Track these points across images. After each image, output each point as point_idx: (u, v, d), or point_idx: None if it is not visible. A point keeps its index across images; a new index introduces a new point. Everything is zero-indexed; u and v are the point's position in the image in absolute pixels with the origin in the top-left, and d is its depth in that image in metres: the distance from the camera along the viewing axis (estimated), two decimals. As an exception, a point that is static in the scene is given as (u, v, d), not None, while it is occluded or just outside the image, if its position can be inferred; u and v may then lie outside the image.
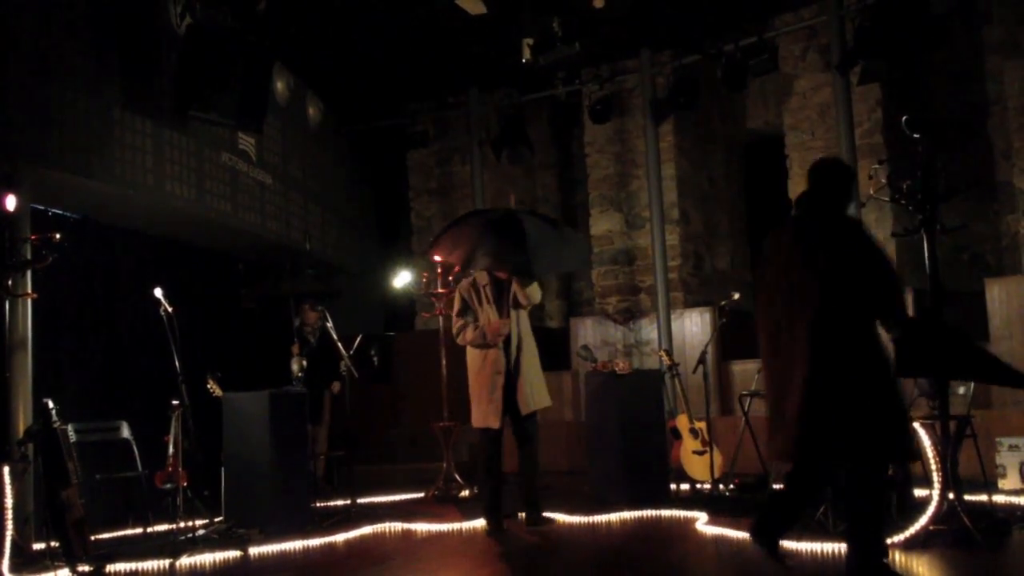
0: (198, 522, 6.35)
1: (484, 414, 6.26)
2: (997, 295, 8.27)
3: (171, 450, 6.46)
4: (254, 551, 5.87)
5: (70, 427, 6.56)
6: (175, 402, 6.41)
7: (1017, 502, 6.22)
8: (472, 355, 6.41)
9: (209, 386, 6.96)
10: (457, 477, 8.28)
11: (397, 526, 6.71)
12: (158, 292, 6.25)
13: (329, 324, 7.60)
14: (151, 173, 7.43)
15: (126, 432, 6.92)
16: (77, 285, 7.63)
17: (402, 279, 9.29)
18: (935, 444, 5.11)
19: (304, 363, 7.58)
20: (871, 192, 6.74)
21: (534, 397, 6.34)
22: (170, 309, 6.24)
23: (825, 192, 4.25)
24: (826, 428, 3.94)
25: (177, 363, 6.26)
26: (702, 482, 7.63)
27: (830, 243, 4.09)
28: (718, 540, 5.67)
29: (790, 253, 4.16)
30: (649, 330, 10.37)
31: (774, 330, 4.13)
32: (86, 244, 7.68)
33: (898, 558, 4.72)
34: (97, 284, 7.92)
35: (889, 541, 4.99)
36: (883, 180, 6.31)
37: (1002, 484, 6.76)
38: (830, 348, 3.96)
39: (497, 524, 6.28)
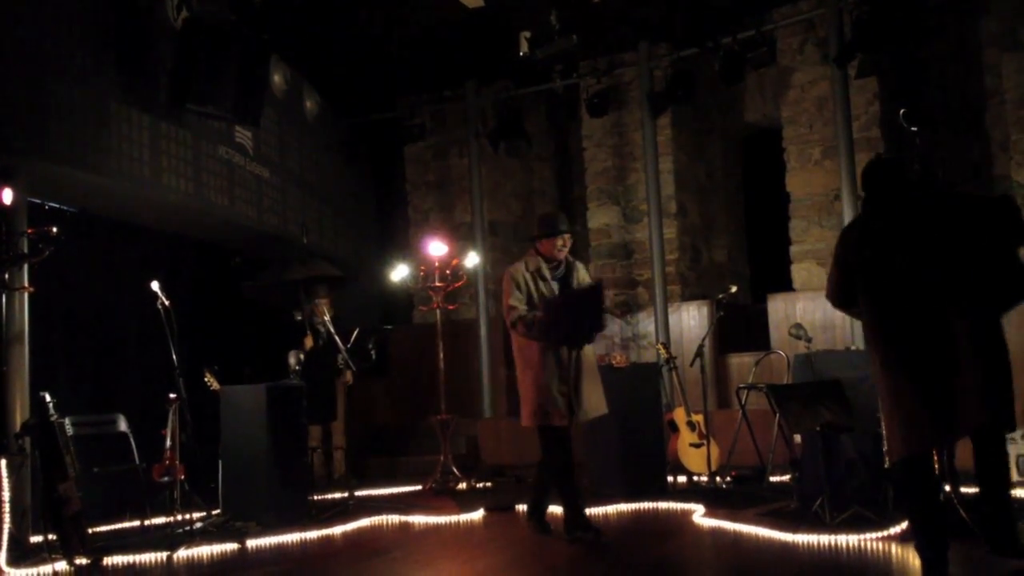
0: (195, 515, 6.35)
1: (546, 410, 5.50)
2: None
3: (168, 443, 6.45)
4: (251, 544, 5.88)
5: (67, 420, 6.56)
6: (172, 395, 6.40)
7: (1013, 495, 6.22)
8: (529, 345, 5.60)
9: (206, 379, 6.95)
10: (454, 470, 8.29)
11: (395, 519, 6.72)
12: (155, 285, 6.25)
13: (327, 317, 7.59)
14: (148, 166, 7.42)
15: (123, 425, 6.92)
16: (74, 279, 7.62)
17: (399, 272, 9.28)
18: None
19: (301, 356, 7.59)
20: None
21: (594, 402, 5.69)
22: (167, 302, 6.24)
23: (897, 182, 4.31)
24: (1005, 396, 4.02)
25: (174, 356, 6.26)
26: (699, 475, 7.65)
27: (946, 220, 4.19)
28: (715, 532, 5.69)
29: (894, 241, 4.18)
30: (647, 323, 10.37)
31: (894, 318, 4.15)
32: (83, 237, 7.66)
33: (894, 550, 4.74)
34: (94, 277, 7.91)
35: (886, 533, 5.03)
36: (880, 173, 6.31)
37: (998, 477, 6.76)
38: (986, 318, 4.06)
39: (586, 523, 5.65)
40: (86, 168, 6.84)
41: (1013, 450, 6.64)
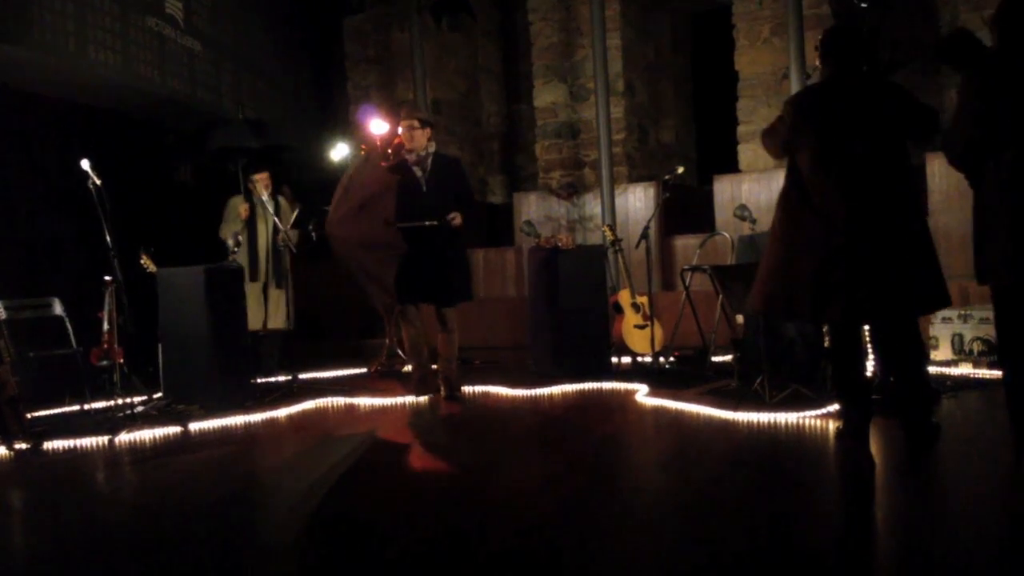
0: (136, 399, 6.28)
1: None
2: (937, 170, 8.33)
3: (106, 327, 6.32)
4: (194, 427, 5.84)
5: (-1, 304, 6.40)
6: (108, 278, 6.24)
7: (947, 372, 6.42)
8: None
9: (142, 261, 6.77)
10: (400, 352, 8.28)
11: (340, 401, 6.72)
12: (85, 164, 6.01)
13: (265, 197, 7.39)
14: (73, 38, 7.05)
15: (58, 309, 6.76)
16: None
17: (339, 151, 9.06)
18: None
19: (240, 238, 7.40)
20: (816, 63, 6.66)
21: None
22: (98, 182, 6.01)
23: (856, 53, 4.36)
24: None
25: (108, 238, 6.07)
26: (643, 355, 7.73)
27: None
28: (657, 411, 5.77)
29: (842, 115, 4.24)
30: (593, 205, 10.33)
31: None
32: (6, 113, 7.32)
33: (831, 427, 4.85)
34: (21, 156, 7.59)
35: (823, 411, 5.15)
36: (830, 51, 6.22)
37: (934, 355, 6.93)
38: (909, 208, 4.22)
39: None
40: (7, 40, 6.48)
41: (948, 329, 6.82)
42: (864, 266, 4.03)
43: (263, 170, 7.76)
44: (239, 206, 7.64)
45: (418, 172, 6.45)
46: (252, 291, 7.58)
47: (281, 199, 7.96)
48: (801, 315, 4.43)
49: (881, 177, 4.10)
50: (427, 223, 6.20)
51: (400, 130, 6.58)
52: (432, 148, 6.55)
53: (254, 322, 7.45)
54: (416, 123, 6.43)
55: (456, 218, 6.27)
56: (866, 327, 4.96)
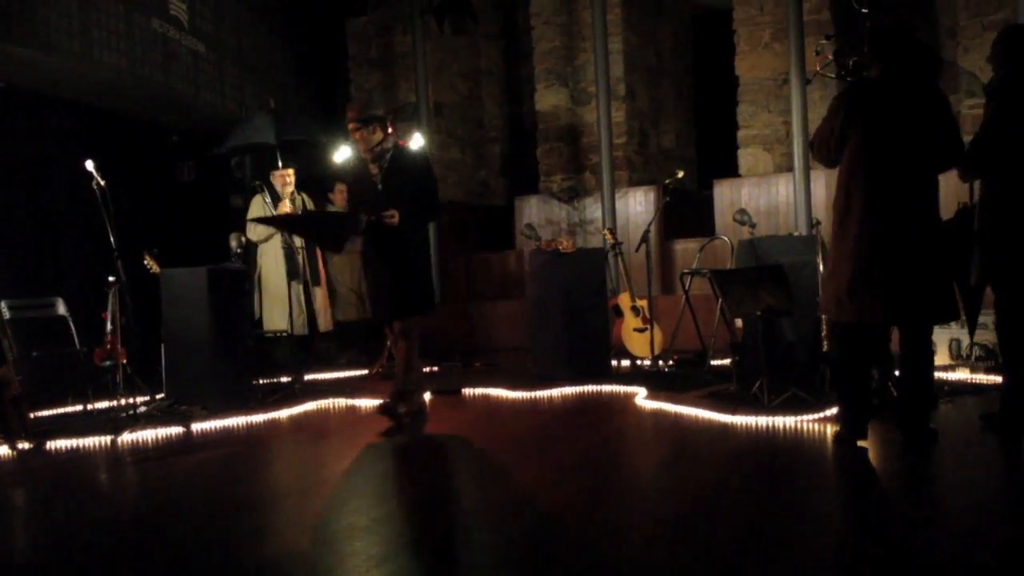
0: (139, 399, 6.31)
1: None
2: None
3: (109, 327, 6.36)
4: (196, 427, 5.87)
5: (3, 304, 6.44)
6: (111, 278, 6.28)
7: (944, 377, 6.44)
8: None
9: (146, 262, 6.81)
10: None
11: (341, 402, 6.75)
12: (89, 164, 6.04)
13: (267, 200, 7.42)
14: (77, 39, 7.08)
15: (62, 309, 6.80)
16: (3, 157, 7.35)
17: (342, 154, 9.08)
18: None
19: (243, 239, 7.43)
20: (817, 68, 6.71)
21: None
22: (102, 182, 6.04)
23: (911, 51, 4.48)
24: None
25: (112, 238, 6.10)
26: (642, 358, 7.77)
27: None
28: (656, 414, 5.81)
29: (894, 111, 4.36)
30: (593, 209, 10.36)
31: None
32: (11, 114, 7.36)
33: (829, 431, 4.88)
34: (25, 156, 7.63)
35: (821, 415, 5.18)
36: (829, 56, 6.28)
37: (931, 360, 6.97)
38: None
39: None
40: (12, 40, 6.52)
41: (945, 334, 6.85)
42: (887, 270, 4.14)
43: (287, 166, 7.75)
44: (264, 207, 7.63)
45: (374, 169, 5.78)
46: (293, 292, 7.59)
47: (305, 196, 7.97)
48: (839, 317, 4.47)
49: (914, 184, 4.23)
50: (372, 216, 5.56)
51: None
52: (389, 143, 5.80)
53: (297, 325, 7.45)
54: (356, 124, 5.68)
55: (393, 216, 5.56)
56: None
